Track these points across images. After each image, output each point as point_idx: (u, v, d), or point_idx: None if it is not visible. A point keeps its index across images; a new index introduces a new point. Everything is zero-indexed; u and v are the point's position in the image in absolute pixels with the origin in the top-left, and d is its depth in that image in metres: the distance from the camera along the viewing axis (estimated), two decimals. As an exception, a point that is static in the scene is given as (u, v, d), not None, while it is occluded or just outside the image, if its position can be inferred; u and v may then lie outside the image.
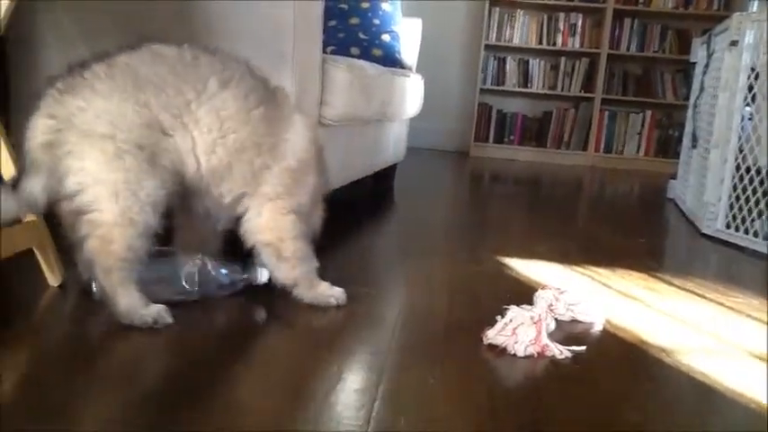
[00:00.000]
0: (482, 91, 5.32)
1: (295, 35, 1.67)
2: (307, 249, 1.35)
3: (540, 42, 5.29)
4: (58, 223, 1.22)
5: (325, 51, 1.92)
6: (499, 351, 1.20)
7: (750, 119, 2.46)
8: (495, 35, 5.28)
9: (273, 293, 1.35)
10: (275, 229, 1.31)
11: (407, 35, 3.18)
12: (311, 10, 1.76)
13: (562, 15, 5.24)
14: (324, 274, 1.39)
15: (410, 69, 3.18)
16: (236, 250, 1.38)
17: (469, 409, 0.99)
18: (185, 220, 1.35)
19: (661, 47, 5.22)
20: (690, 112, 3.30)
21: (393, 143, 2.99)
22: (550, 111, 5.40)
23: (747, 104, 2.46)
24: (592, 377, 1.15)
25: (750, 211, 2.36)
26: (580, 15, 5.23)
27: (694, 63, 3.36)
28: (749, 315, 1.57)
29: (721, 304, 1.64)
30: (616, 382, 1.15)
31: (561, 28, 5.26)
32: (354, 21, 3.04)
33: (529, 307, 1.35)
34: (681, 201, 3.23)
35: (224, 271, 1.35)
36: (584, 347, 1.25)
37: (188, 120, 1.20)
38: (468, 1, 5.30)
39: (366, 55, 2.93)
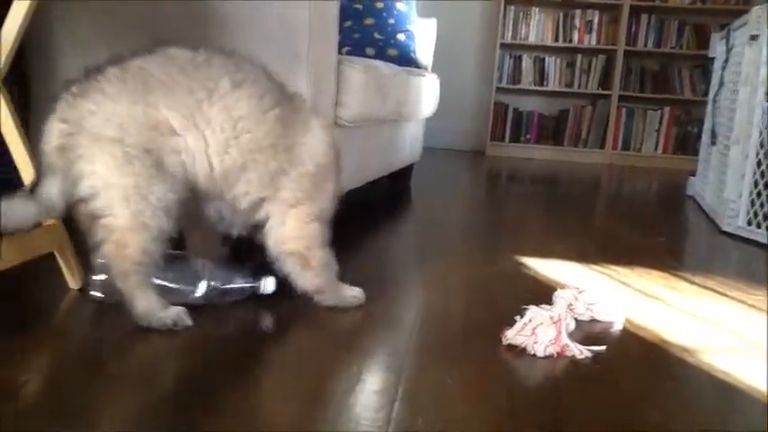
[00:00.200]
0: (498, 90, 5.29)
1: (310, 36, 1.68)
2: (329, 256, 1.35)
3: (556, 40, 5.26)
4: (76, 227, 1.23)
5: (340, 52, 1.93)
6: (518, 351, 1.20)
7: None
8: (510, 33, 5.25)
9: (291, 295, 1.35)
10: (301, 239, 1.30)
11: (423, 35, 3.18)
12: (326, 10, 1.76)
13: (578, 12, 5.20)
14: (341, 275, 1.39)
15: (425, 69, 3.18)
16: (241, 257, 1.38)
17: (489, 410, 0.99)
18: (195, 226, 1.35)
19: (678, 42, 5.17)
20: (709, 107, 3.26)
21: (409, 143, 2.98)
22: (567, 109, 5.37)
23: (768, 99, 2.43)
24: (612, 377, 1.14)
25: (772, 207, 2.33)
26: (596, 12, 5.19)
27: (713, 58, 3.33)
28: (772, 313, 1.55)
29: (743, 302, 1.62)
30: (637, 382, 1.14)
31: (577, 25, 5.22)
32: (369, 21, 3.04)
33: (548, 307, 1.34)
34: (700, 198, 3.19)
35: (226, 279, 1.33)
36: (604, 347, 1.23)
37: (199, 119, 1.19)
38: (482, 0, 5.28)
39: (381, 55, 2.93)
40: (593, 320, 1.39)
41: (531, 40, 5.26)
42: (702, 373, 1.18)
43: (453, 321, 1.37)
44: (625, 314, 1.43)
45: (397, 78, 2.37)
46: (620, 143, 5.32)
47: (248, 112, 1.23)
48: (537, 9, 5.23)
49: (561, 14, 5.23)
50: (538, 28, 5.26)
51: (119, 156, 1.13)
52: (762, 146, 2.42)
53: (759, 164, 2.42)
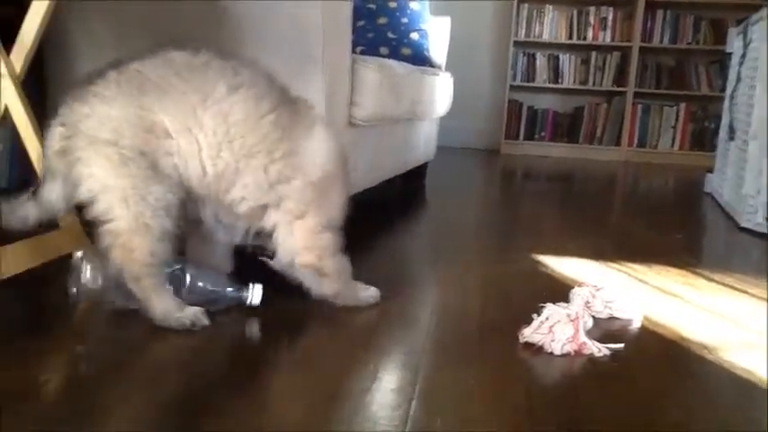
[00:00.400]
0: (512, 88, 5.27)
1: (324, 36, 1.68)
2: (343, 261, 1.34)
3: (571, 37, 5.23)
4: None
5: (354, 51, 1.92)
6: (536, 350, 1.19)
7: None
8: (524, 31, 5.23)
9: (306, 295, 1.35)
10: (312, 249, 1.29)
11: (436, 33, 3.17)
12: (340, 11, 1.76)
13: (592, 9, 5.17)
14: (357, 274, 1.39)
15: (439, 68, 3.17)
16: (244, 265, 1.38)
17: (506, 409, 0.98)
18: (196, 232, 1.34)
19: (695, 38, 5.13)
20: (726, 103, 3.23)
21: (423, 142, 2.98)
22: (582, 106, 5.34)
23: (786, 94, 2.40)
24: (631, 375, 1.13)
25: (791, 203, 2.31)
26: (611, 9, 5.16)
27: (730, 53, 3.29)
28: (793, 310, 1.53)
29: (762, 299, 1.60)
30: (656, 380, 1.13)
31: (591, 22, 5.19)
32: (383, 20, 3.04)
33: (565, 304, 1.33)
34: (718, 194, 3.16)
35: (211, 285, 1.30)
36: (622, 345, 1.22)
37: (192, 123, 1.18)
38: (496, -2, 5.27)
39: (395, 54, 2.93)
40: (611, 318, 1.38)
41: (545, 37, 5.24)
42: (722, 371, 1.16)
43: (470, 320, 1.37)
44: (643, 311, 1.42)
45: (411, 77, 2.36)
46: (635, 140, 5.28)
47: (243, 116, 1.21)
48: (550, 6, 5.21)
49: (575, 11, 5.20)
50: (551, 25, 5.24)
51: (114, 158, 1.14)
52: (780, 141, 2.40)
53: (778, 159, 2.39)
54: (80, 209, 1.39)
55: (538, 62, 5.31)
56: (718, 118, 3.48)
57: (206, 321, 1.20)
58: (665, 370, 1.18)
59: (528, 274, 1.72)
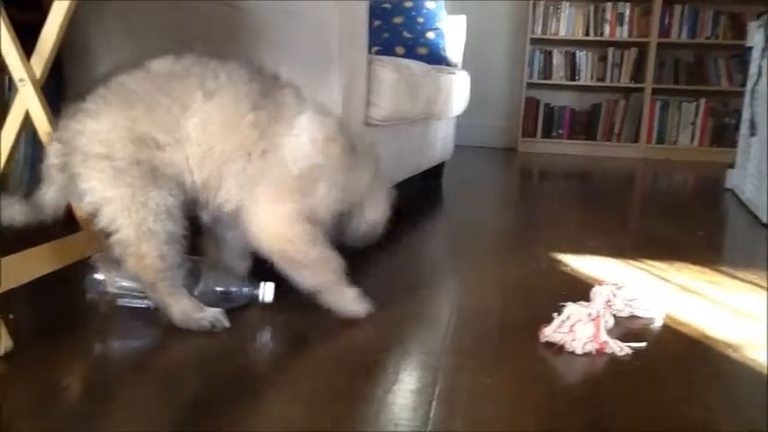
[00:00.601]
0: (529, 85, 5.24)
1: (340, 37, 1.68)
2: (328, 254, 1.27)
3: (587, 34, 5.19)
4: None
5: (370, 51, 1.92)
6: (557, 349, 1.18)
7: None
8: (540, 28, 5.20)
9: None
10: (282, 236, 1.24)
11: (452, 32, 3.16)
12: (356, 12, 1.76)
13: (609, 5, 5.13)
14: (373, 274, 1.38)
15: (456, 66, 3.16)
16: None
17: (528, 409, 0.98)
18: (210, 234, 1.35)
19: (714, 33, 5.07)
20: (747, 98, 3.19)
21: (440, 141, 2.97)
22: (599, 103, 5.30)
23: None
24: (654, 374, 1.12)
25: (815, 198, 2.27)
26: (628, 4, 5.11)
27: (750, 47, 3.25)
28: (818, 307, 1.50)
29: (788, 296, 1.58)
30: (680, 379, 1.11)
31: (608, 18, 5.15)
32: (398, 20, 3.04)
33: (586, 303, 1.32)
34: (740, 190, 3.12)
35: (223, 285, 1.31)
36: (644, 344, 1.21)
37: (179, 135, 1.19)
38: (511, -5, 5.24)
39: (411, 53, 2.92)
40: (633, 317, 1.37)
41: (562, 34, 5.20)
42: (748, 370, 1.15)
43: (489, 319, 1.36)
44: (665, 310, 1.40)
45: (427, 77, 2.36)
46: (654, 136, 5.23)
47: (220, 123, 1.21)
48: (567, 3, 5.17)
49: (592, 8, 5.16)
50: (568, 22, 5.20)
51: (109, 171, 1.16)
52: (803, 136, 2.36)
53: (801, 154, 2.36)
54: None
55: (554, 59, 5.28)
56: (739, 113, 3.44)
57: (226, 323, 1.21)
58: (689, 369, 1.17)
59: (547, 273, 1.71)
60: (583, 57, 5.26)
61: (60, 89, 1.95)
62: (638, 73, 5.18)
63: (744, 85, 3.46)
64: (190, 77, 1.22)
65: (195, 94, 1.20)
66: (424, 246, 2.07)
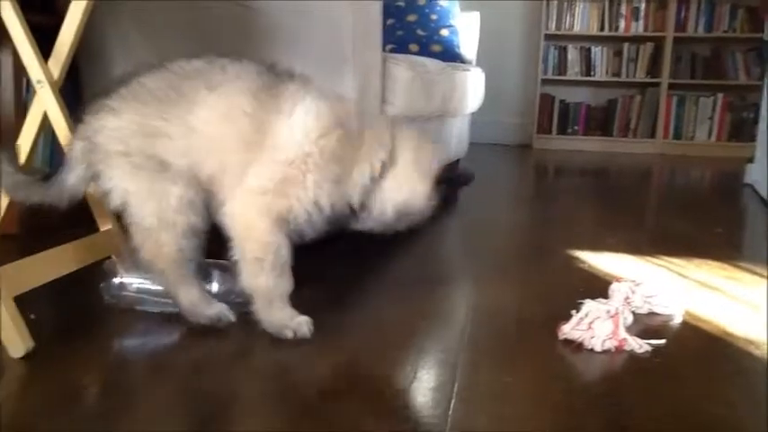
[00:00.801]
0: (543, 81, 5.22)
1: (354, 36, 1.68)
2: (283, 267, 1.20)
3: (602, 29, 5.15)
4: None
5: (383, 50, 1.92)
6: (575, 346, 1.17)
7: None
8: (554, 24, 5.17)
9: (339, 293, 1.35)
10: (248, 224, 1.19)
11: (466, 29, 3.15)
12: (370, 11, 1.76)
13: (624, 0, 5.09)
14: (389, 272, 1.38)
15: (470, 63, 3.15)
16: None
17: (547, 407, 0.97)
18: None
19: (731, 26, 5.01)
20: (765, 91, 3.15)
21: (455, 139, 2.96)
22: (615, 98, 5.26)
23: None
24: (674, 371, 1.11)
25: (836, 193, 2.24)
26: (643, -1, 5.07)
27: (768, 41, 3.21)
28: (841, 303, 1.48)
29: (809, 292, 1.56)
30: (700, 376, 1.10)
31: (623, 12, 5.11)
32: (412, 17, 3.04)
33: (604, 300, 1.31)
34: (759, 185, 3.09)
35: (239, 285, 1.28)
36: (663, 340, 1.20)
37: (186, 129, 1.20)
38: (525, -9, 5.22)
39: (425, 51, 2.92)
40: (652, 313, 1.36)
41: (577, 29, 5.17)
42: (769, 367, 1.13)
43: (507, 317, 1.35)
44: (684, 306, 1.39)
45: (442, 74, 2.35)
46: (671, 132, 5.18)
47: (221, 117, 1.21)
48: (581, -2, 5.14)
49: (606, 2, 5.12)
50: (583, 17, 5.17)
51: (128, 167, 1.19)
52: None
53: (821, 148, 2.33)
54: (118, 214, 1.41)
55: (569, 55, 5.25)
56: (757, 107, 3.40)
57: (231, 318, 1.23)
58: (709, 366, 1.15)
59: (565, 270, 1.70)
60: (598, 52, 5.22)
61: (77, 91, 1.97)
62: (654, 68, 5.13)
63: (762, 78, 3.42)
64: (200, 74, 1.24)
65: (200, 89, 1.22)
66: (439, 244, 2.07)
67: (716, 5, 5.01)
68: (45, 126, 1.44)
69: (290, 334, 1.19)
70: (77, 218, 1.50)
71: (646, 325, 1.30)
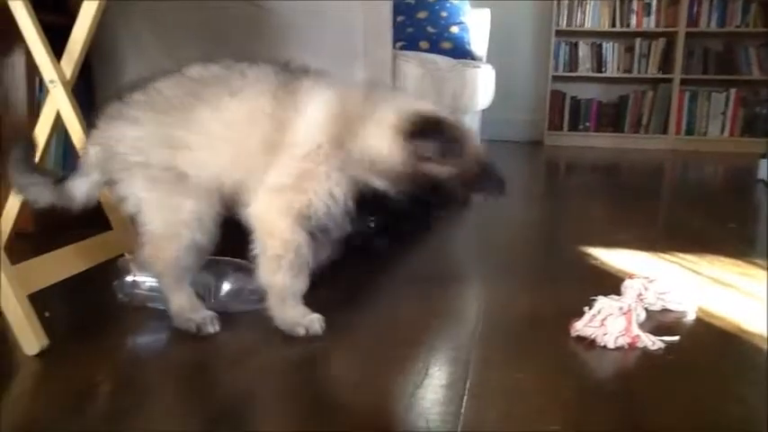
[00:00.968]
0: (554, 78, 5.20)
1: (365, 35, 1.68)
2: (301, 266, 1.20)
3: (614, 25, 5.13)
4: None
5: (394, 47, 1.92)
6: (588, 343, 1.17)
7: None
8: (565, 20, 5.15)
9: (352, 291, 1.35)
10: (269, 224, 1.20)
11: (476, 26, 3.15)
12: (381, 11, 1.76)
13: (635, -5, 5.06)
14: (399, 270, 1.37)
15: (480, 60, 3.14)
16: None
17: (560, 405, 0.97)
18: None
19: (744, 21, 4.97)
20: (779, 87, 3.12)
21: (466, 136, 2.96)
22: (627, 95, 5.23)
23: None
24: (687, 368, 1.10)
25: None
26: (654, -6, 5.04)
27: (782, 35, 3.18)
28: None
29: (824, 288, 1.55)
30: (715, 373, 1.10)
31: (635, 8, 5.08)
32: (422, 14, 3.03)
33: (617, 297, 1.30)
34: (773, 181, 3.06)
35: (251, 285, 1.28)
36: (677, 337, 1.19)
37: (209, 138, 1.20)
38: (536, -13, 5.20)
39: (435, 48, 2.91)
40: (665, 310, 1.35)
41: (588, 25, 5.15)
42: (784, 363, 1.13)
43: (519, 314, 1.35)
44: (697, 303, 1.38)
45: (452, 71, 2.35)
46: (683, 128, 5.15)
47: (243, 121, 1.21)
48: (592, -6, 5.12)
49: (618, -2, 5.10)
50: (593, 13, 5.14)
51: (146, 177, 1.20)
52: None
53: (836, 143, 2.31)
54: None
55: (580, 51, 5.22)
56: (771, 102, 3.36)
57: (211, 329, 1.21)
58: (724, 363, 1.15)
59: (577, 267, 1.70)
60: (609, 48, 5.20)
61: (90, 90, 1.98)
62: (665, 63, 5.10)
63: (775, 73, 3.40)
64: (219, 80, 1.23)
65: (223, 95, 1.21)
66: (450, 241, 2.07)
67: (728, 0, 4.97)
68: (58, 125, 1.45)
69: (302, 331, 1.19)
70: (91, 216, 1.51)
71: (659, 322, 1.30)
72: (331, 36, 1.69)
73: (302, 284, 1.21)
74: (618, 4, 5.10)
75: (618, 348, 1.15)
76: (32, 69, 1.73)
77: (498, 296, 1.47)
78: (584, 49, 5.22)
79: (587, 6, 5.13)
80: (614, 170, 4.03)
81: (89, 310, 1.35)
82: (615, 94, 5.28)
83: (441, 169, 1.18)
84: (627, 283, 1.39)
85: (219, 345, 1.17)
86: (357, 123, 1.21)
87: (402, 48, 2.85)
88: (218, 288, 1.30)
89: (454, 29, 3.00)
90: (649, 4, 5.06)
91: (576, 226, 2.30)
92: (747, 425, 0.93)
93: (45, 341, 1.09)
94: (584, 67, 5.23)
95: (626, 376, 1.09)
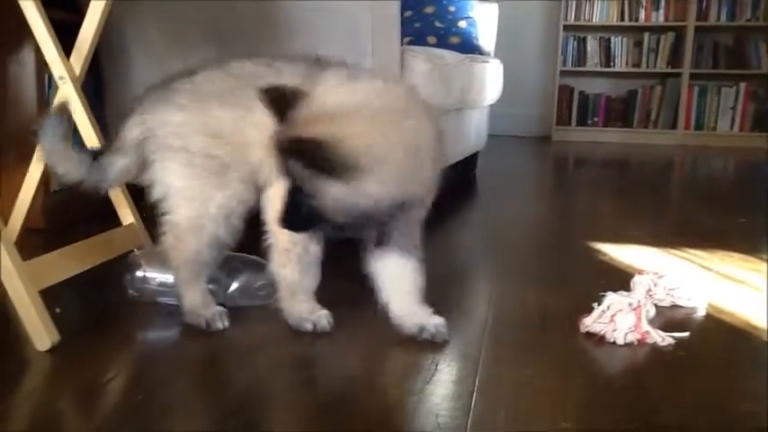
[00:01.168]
0: (562, 73, 5.18)
1: (373, 31, 1.68)
2: (309, 263, 1.20)
3: (622, 19, 5.10)
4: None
5: (401, 42, 1.92)
6: (597, 339, 1.17)
7: None
8: (573, 15, 5.13)
9: (361, 287, 1.35)
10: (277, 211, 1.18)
11: (484, 20, 3.13)
12: (388, 7, 1.77)
13: (644, -11, 5.04)
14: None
15: (488, 55, 3.13)
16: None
17: (569, 401, 0.97)
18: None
19: (754, 14, 4.93)
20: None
21: (474, 131, 2.95)
22: (635, 89, 5.21)
23: None
24: (697, 364, 1.10)
25: None
26: (663, -12, 5.01)
27: (793, 29, 3.16)
28: None
29: (835, 284, 1.54)
30: (725, 370, 1.09)
31: (643, 2, 5.05)
32: (430, 9, 3.02)
33: (626, 293, 1.30)
34: (783, 176, 3.04)
35: (261, 280, 1.30)
36: (687, 333, 1.19)
37: (248, 137, 1.20)
38: (544, -18, 5.17)
39: (443, 43, 2.91)
40: (675, 306, 1.35)
41: (596, 20, 5.12)
42: (795, 360, 1.12)
43: (528, 310, 1.35)
44: (707, 299, 1.38)
45: (460, 66, 2.34)
46: (692, 123, 5.13)
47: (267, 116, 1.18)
48: (601, -12, 5.09)
49: (626, -8, 5.07)
50: (602, 7, 5.11)
51: (183, 163, 1.19)
52: None
53: None
54: (140, 209, 1.43)
55: (588, 46, 5.20)
56: (781, 97, 3.34)
57: (220, 325, 1.21)
58: (734, 359, 1.14)
59: (586, 263, 1.69)
60: (618, 42, 5.17)
61: (99, 87, 1.98)
62: (674, 58, 5.07)
63: (786, 67, 3.37)
64: (255, 78, 1.20)
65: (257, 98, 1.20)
66: (459, 237, 2.06)
67: (738, -7, 4.93)
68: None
69: (309, 326, 1.20)
70: (100, 212, 1.52)
71: (668, 318, 1.29)
72: (339, 32, 1.69)
73: (312, 280, 1.22)
74: (626, -2, 5.07)
75: (627, 344, 1.15)
76: (42, 66, 1.74)
77: (507, 292, 1.47)
78: (592, 44, 5.20)
79: (595, 1, 5.11)
80: (623, 165, 4.02)
81: (100, 305, 1.36)
82: (624, 89, 5.26)
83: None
84: (636, 279, 1.39)
85: (229, 340, 1.18)
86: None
87: (410, 43, 2.84)
88: (228, 284, 1.30)
89: (462, 24, 2.99)
90: (658, -1, 5.03)
91: (584, 222, 2.30)
92: (757, 421, 0.93)
93: (56, 337, 1.10)
94: (593, 62, 5.21)
95: (635, 372, 1.08)
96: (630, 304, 1.20)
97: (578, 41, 5.21)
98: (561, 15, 5.08)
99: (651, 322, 1.22)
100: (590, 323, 1.19)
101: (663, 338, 1.16)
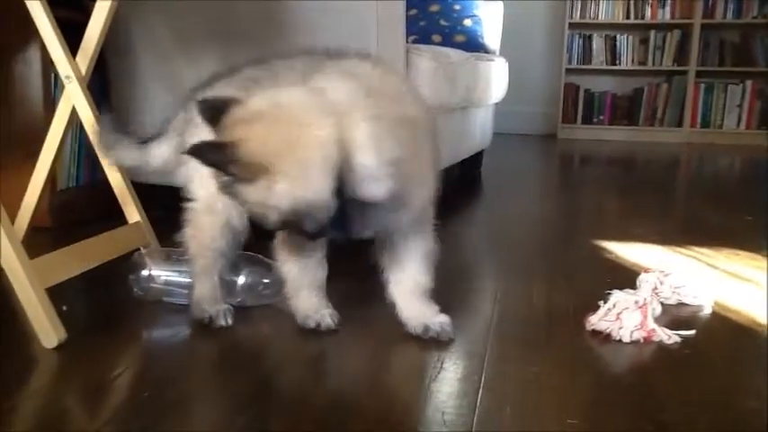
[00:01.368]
0: (568, 71, 5.17)
1: (378, 29, 1.69)
2: (311, 259, 1.20)
3: (628, 16, 5.09)
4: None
5: (406, 41, 1.92)
6: (603, 337, 1.17)
7: None
8: (579, 12, 5.11)
9: (367, 285, 1.35)
10: None
11: (489, 19, 3.13)
12: (393, 6, 1.77)
13: (650, -14, 5.02)
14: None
15: (494, 53, 3.13)
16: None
17: (575, 398, 0.97)
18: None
19: (761, 12, 4.91)
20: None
21: (479, 129, 2.95)
22: (641, 87, 5.19)
23: None
24: (704, 362, 1.10)
25: None
26: (669, -15, 4.99)
27: (799, 26, 3.15)
28: None
29: (843, 282, 1.53)
30: (731, 368, 1.09)
31: (649, 0, 5.04)
32: (435, 8, 3.02)
33: (632, 291, 1.30)
34: (790, 174, 3.03)
35: (267, 278, 1.30)
36: (693, 331, 1.19)
37: None
38: (549, -21, 5.16)
39: (448, 41, 2.90)
40: (680, 304, 1.34)
41: (601, 17, 5.11)
42: (802, 358, 1.12)
43: (534, 307, 1.35)
44: (713, 297, 1.37)
45: (466, 64, 2.34)
46: (698, 120, 5.11)
47: None
48: (606, -14, 5.08)
49: (632, -10, 5.06)
50: (607, 5, 5.10)
51: None
52: None
53: None
54: (146, 207, 1.43)
55: (594, 43, 5.19)
56: (788, 94, 3.33)
57: (223, 323, 1.21)
58: (740, 357, 1.14)
59: (592, 261, 1.69)
60: (623, 40, 5.16)
61: (105, 86, 1.99)
62: (681, 55, 5.06)
63: (793, 65, 3.36)
64: (294, 70, 1.20)
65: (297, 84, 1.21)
66: (465, 235, 2.06)
67: (745, -9, 4.91)
68: (73, 121, 1.46)
69: (312, 324, 1.20)
70: (106, 211, 1.53)
71: (674, 316, 1.29)
72: (344, 31, 1.69)
73: (317, 278, 1.22)
74: (632, -5, 5.06)
75: (633, 342, 1.15)
76: (48, 65, 1.75)
77: (513, 290, 1.47)
78: (597, 42, 5.19)
79: (601, -2, 5.10)
80: (629, 163, 4.01)
81: (105, 303, 1.36)
82: (629, 87, 5.24)
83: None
84: (642, 277, 1.39)
85: (236, 338, 1.18)
86: None
87: (415, 41, 2.84)
88: (234, 282, 1.31)
89: (467, 22, 2.99)
90: (664, -4, 5.02)
91: (590, 220, 2.29)
92: (763, 418, 0.92)
93: (63, 334, 1.11)
94: (599, 60, 5.20)
95: (641, 370, 1.08)
96: (636, 302, 1.20)
97: (584, 39, 5.20)
98: (567, 13, 5.07)
99: (657, 320, 1.21)
100: (596, 321, 1.19)
101: (669, 336, 1.16)
